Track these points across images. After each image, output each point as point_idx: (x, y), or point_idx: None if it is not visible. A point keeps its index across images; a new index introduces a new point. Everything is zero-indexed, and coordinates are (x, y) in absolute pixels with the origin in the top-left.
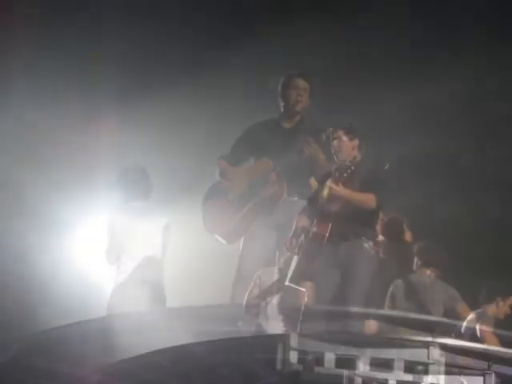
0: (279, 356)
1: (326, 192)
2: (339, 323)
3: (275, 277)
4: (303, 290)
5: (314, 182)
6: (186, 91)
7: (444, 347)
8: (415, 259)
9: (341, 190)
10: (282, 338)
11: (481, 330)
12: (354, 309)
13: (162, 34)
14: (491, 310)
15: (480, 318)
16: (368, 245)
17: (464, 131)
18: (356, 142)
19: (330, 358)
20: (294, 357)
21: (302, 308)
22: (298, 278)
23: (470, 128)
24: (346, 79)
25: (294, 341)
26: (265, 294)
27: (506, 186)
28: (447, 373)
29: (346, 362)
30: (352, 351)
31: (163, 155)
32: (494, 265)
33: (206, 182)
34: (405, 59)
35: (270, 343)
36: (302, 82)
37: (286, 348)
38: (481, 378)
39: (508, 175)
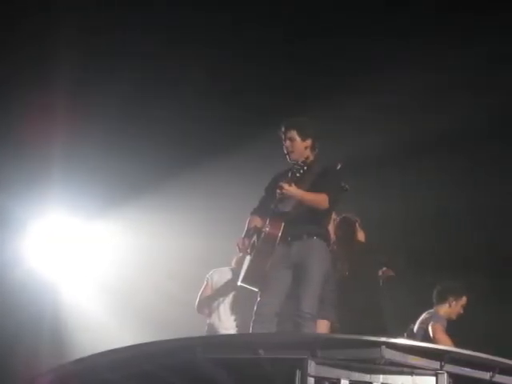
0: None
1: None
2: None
3: (228, 277)
4: (255, 289)
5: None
6: None
7: (397, 347)
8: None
9: (293, 190)
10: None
11: (433, 330)
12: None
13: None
14: (444, 310)
15: (432, 318)
16: (321, 244)
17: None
18: (309, 142)
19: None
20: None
21: (255, 308)
22: (251, 278)
23: None
24: None
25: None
26: (217, 294)
27: (462, 187)
28: (400, 373)
29: None
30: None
31: None
32: (446, 265)
33: None
34: None
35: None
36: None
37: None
38: (433, 378)
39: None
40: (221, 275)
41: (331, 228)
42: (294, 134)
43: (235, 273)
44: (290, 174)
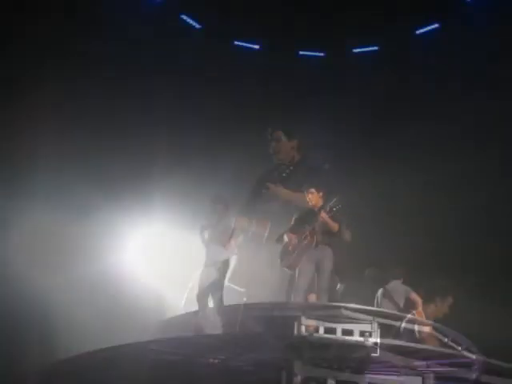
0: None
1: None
2: None
3: (215, 276)
4: (242, 289)
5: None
6: None
7: (384, 347)
8: None
9: (279, 190)
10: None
11: (420, 330)
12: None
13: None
14: (430, 309)
15: (419, 318)
16: (308, 244)
17: None
18: (295, 142)
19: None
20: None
21: (242, 307)
22: (238, 277)
23: None
24: None
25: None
26: (205, 293)
27: (448, 187)
28: (386, 373)
29: None
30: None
31: None
32: (434, 265)
33: None
34: None
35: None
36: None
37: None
38: (419, 378)
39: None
40: (208, 275)
41: (317, 227)
42: (280, 134)
43: (222, 272)
44: (276, 174)
